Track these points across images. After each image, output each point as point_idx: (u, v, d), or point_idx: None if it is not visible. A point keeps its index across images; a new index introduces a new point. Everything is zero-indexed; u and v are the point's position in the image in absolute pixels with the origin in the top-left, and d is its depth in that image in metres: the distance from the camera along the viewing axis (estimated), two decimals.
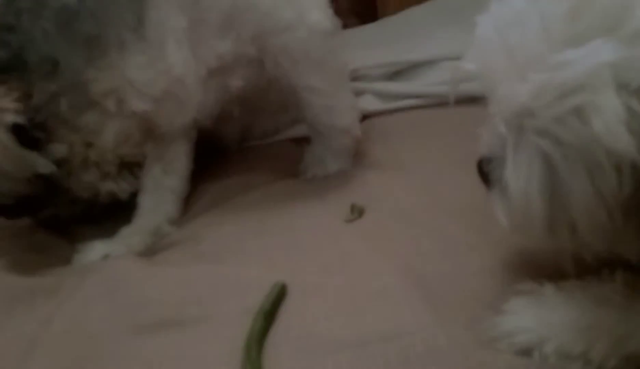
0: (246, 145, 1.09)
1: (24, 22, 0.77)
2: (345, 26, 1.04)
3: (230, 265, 0.76)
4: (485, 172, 0.56)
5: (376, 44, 1.21)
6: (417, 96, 1.11)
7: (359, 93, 1.11)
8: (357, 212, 0.82)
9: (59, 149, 0.81)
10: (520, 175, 0.49)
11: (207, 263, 0.77)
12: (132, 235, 0.87)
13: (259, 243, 0.80)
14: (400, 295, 0.63)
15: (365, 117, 1.08)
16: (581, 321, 0.51)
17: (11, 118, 0.77)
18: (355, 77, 1.14)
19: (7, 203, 0.82)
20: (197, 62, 0.85)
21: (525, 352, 0.52)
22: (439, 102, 1.09)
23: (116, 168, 0.86)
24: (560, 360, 0.51)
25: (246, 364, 0.57)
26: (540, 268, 0.63)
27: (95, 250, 0.84)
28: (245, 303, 0.65)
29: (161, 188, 0.90)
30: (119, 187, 0.87)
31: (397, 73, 1.16)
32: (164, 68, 0.82)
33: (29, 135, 0.79)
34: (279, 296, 0.66)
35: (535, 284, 0.56)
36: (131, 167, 0.89)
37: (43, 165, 0.80)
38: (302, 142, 1.04)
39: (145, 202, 0.90)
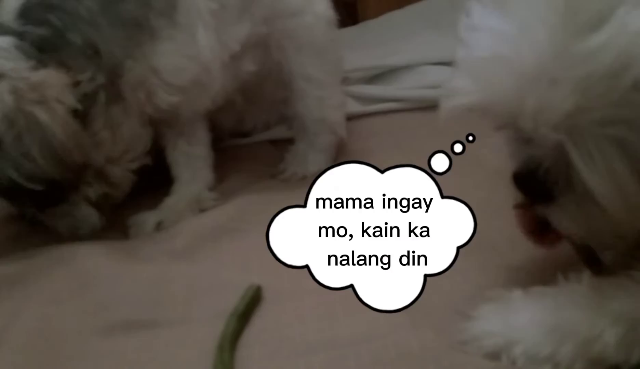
0: (226, 144, 1.09)
1: (69, 2, 0.76)
2: None
3: (205, 266, 0.75)
4: (533, 187, 0.53)
5: (356, 48, 1.21)
6: (395, 100, 1.11)
7: None
8: None
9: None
10: (600, 172, 0.46)
11: (181, 262, 0.76)
12: (178, 203, 0.90)
13: (234, 244, 0.79)
14: None
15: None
16: (548, 324, 0.52)
17: (72, 101, 0.75)
18: None
19: (33, 189, 0.75)
20: (221, 47, 0.86)
21: (494, 355, 0.53)
22: (417, 106, 1.09)
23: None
24: (528, 363, 0.51)
25: (218, 365, 0.57)
26: (512, 270, 0.65)
27: (148, 221, 0.86)
28: (219, 305, 0.64)
29: (192, 158, 0.93)
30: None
31: (376, 76, 1.16)
32: (193, 55, 0.83)
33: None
34: (254, 299, 0.65)
35: (503, 290, 0.56)
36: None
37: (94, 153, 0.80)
38: (280, 144, 1.04)
39: (182, 173, 0.93)
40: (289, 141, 1.01)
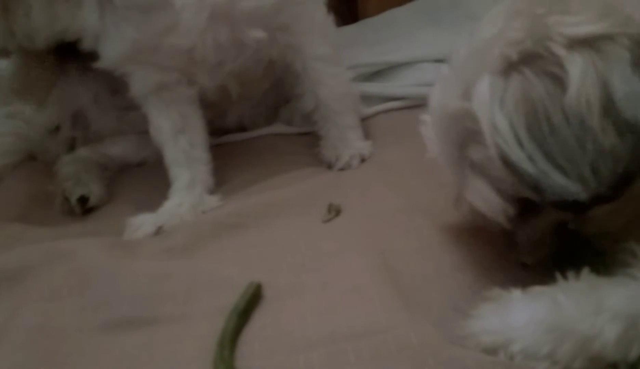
0: (225, 140, 1.09)
1: None
2: None
3: (205, 263, 0.75)
4: None
5: (356, 45, 1.21)
6: (394, 97, 1.11)
7: None
8: (334, 212, 0.82)
9: None
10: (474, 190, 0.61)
11: (180, 259, 0.76)
12: (179, 207, 0.89)
13: (234, 241, 0.79)
14: (374, 293, 0.63)
15: None
16: (547, 323, 0.52)
17: None
18: None
19: None
20: None
21: (492, 352, 0.53)
22: (417, 104, 1.09)
23: None
24: (526, 360, 0.52)
25: (218, 362, 0.57)
26: (510, 268, 0.65)
27: (147, 224, 0.85)
28: (219, 303, 0.64)
29: (193, 161, 0.93)
30: None
31: (376, 73, 1.16)
32: None
33: None
34: (254, 296, 0.65)
35: (502, 290, 0.57)
36: None
37: None
38: (279, 137, 1.06)
39: (182, 175, 0.92)
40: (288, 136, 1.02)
